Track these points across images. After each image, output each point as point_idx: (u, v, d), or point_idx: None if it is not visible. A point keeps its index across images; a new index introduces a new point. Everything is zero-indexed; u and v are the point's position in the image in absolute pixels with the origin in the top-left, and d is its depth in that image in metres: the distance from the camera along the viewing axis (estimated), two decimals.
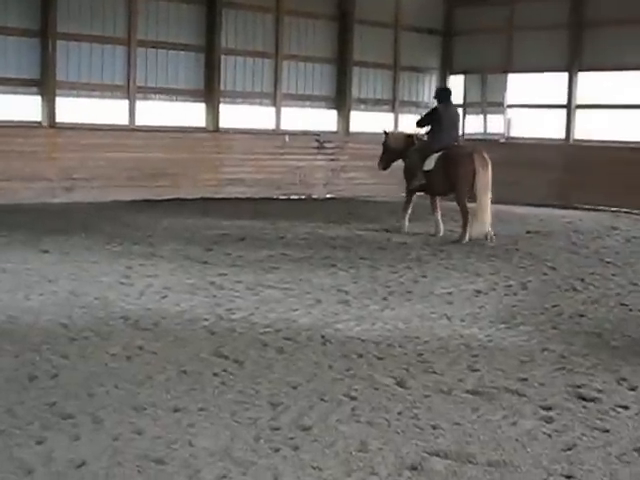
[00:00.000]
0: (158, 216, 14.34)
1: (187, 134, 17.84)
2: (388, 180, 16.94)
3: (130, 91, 17.13)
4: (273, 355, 6.21)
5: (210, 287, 8.57)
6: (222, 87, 18.27)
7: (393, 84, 20.80)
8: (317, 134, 19.30)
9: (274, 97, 19.14)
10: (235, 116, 18.57)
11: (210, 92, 18.06)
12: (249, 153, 18.35)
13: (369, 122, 19.86)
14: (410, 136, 13.58)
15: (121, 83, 17.02)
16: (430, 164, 12.82)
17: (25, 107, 15.84)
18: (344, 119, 19.90)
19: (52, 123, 15.95)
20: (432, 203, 13.31)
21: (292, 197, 18.94)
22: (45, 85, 15.89)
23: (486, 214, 12.34)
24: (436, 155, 12.81)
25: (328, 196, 19.40)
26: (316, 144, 19.08)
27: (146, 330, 6.79)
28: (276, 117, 19.20)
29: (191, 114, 18.11)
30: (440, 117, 13.00)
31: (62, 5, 15.94)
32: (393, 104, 20.93)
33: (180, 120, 17.89)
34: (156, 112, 17.59)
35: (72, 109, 16.30)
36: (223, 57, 18.18)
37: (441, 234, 12.95)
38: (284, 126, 19.31)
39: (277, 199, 18.50)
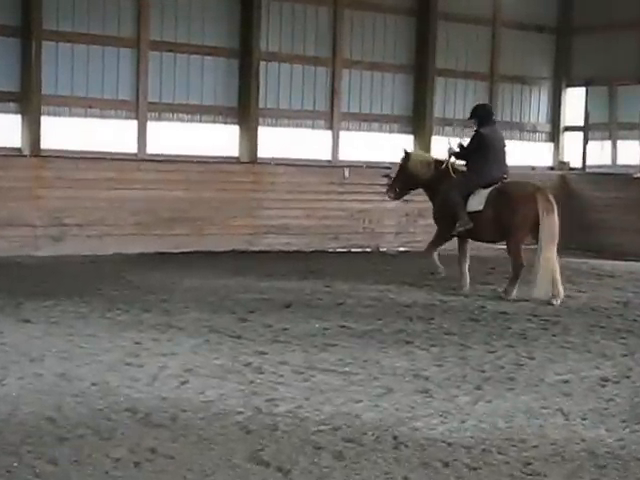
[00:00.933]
0: (176, 275, 14.55)
1: (215, 166, 18.18)
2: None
3: (139, 109, 17.59)
4: (329, 462, 6.23)
5: (245, 370, 8.64)
6: (261, 104, 18.59)
7: (489, 99, 20.94)
8: (387, 167, 19.43)
9: (330, 117, 19.40)
10: (278, 142, 18.86)
11: (245, 111, 18.43)
12: (296, 192, 18.62)
13: None
14: (441, 162, 14.05)
15: (128, 98, 17.52)
16: (478, 204, 13.35)
17: (0, 129, 16.28)
18: (423, 146, 20.07)
19: (36, 151, 16.42)
20: (461, 249, 13.92)
21: (353, 250, 19.06)
22: (26, 100, 16.44)
23: (552, 270, 12.89)
24: (485, 192, 13.39)
25: (401, 249, 19.48)
26: (385, 180, 19.23)
27: (160, 427, 6.86)
28: (332, 144, 19.45)
29: (220, 139, 18.49)
30: (487, 144, 13.52)
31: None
32: None
33: (206, 147, 18.27)
34: (174, 137, 18.03)
35: (62, 132, 16.80)
36: (263, 64, 18.58)
37: (467, 288, 13.73)
38: (343, 156, 19.54)
39: (333, 253, 18.62)
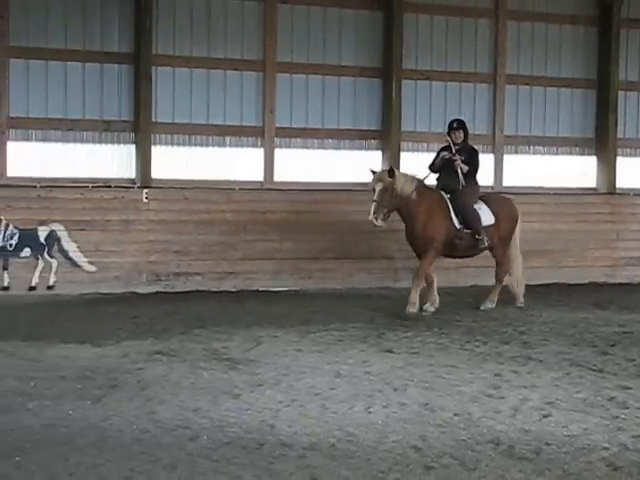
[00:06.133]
0: (534, 306, 14.43)
1: (572, 197, 17.86)
2: None
3: (496, 142, 17.60)
4: None
5: (608, 404, 8.39)
6: (619, 134, 18.12)
7: None
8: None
9: None
10: (638, 173, 18.29)
11: (603, 141, 18.15)
12: None
13: None
14: (421, 180, 13.76)
15: (484, 132, 17.54)
16: (489, 217, 13.90)
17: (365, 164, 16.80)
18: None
19: None
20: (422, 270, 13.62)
21: None
22: (386, 136, 16.93)
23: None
24: (485, 206, 13.96)
25: None
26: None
27: (524, 460, 6.76)
28: None
29: (576, 171, 18.22)
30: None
31: (409, 39, 17.03)
32: None
33: (562, 179, 18.07)
34: (529, 169, 18.02)
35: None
36: (621, 93, 18.11)
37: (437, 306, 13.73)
38: None
39: None
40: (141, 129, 15.66)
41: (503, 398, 8.56)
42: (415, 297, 13.38)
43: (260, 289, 15.82)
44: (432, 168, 13.97)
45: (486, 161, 17.57)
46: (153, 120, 15.84)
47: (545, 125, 18.02)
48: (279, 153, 16.72)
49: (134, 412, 7.90)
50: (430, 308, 13.64)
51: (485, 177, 17.44)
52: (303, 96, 16.80)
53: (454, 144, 13.79)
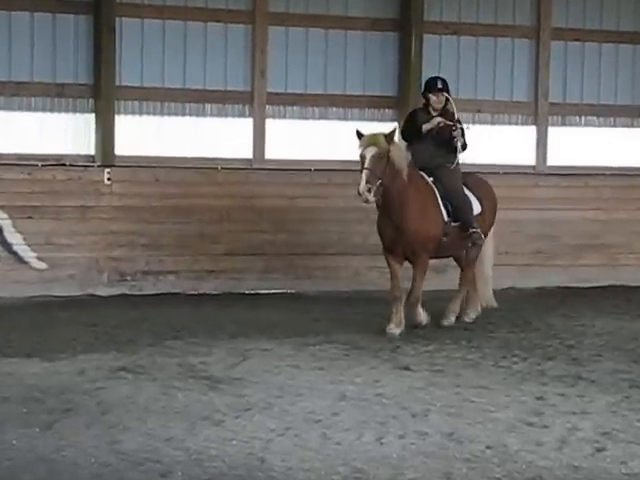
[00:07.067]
0: (585, 314, 14.45)
1: (633, 180, 17.82)
2: None
3: (538, 111, 17.59)
4: None
5: None
6: None
7: None
8: None
9: None
10: None
11: None
12: None
13: None
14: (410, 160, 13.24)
15: (523, 99, 17.54)
16: (476, 204, 13.42)
17: None
18: None
19: None
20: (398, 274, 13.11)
21: None
22: (403, 104, 16.93)
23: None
24: (468, 191, 13.43)
25: None
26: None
27: None
28: None
29: (635, 146, 18.21)
30: None
31: None
32: None
33: (621, 158, 18.11)
34: (580, 145, 18.00)
35: None
36: None
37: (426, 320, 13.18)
38: None
39: None
40: (102, 94, 15.65)
41: (547, 427, 8.54)
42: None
43: (247, 291, 15.83)
44: (408, 137, 13.47)
45: (526, 135, 17.59)
46: (117, 83, 15.84)
47: (600, 90, 18.03)
48: (271, 124, 16.73)
49: (92, 441, 7.89)
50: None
51: (525, 155, 17.45)
52: (301, 54, 16.80)
53: (434, 109, 13.28)
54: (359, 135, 12.77)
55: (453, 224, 13.10)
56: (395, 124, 16.72)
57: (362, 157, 12.53)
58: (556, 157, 17.84)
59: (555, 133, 17.88)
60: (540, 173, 17.53)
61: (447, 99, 13.32)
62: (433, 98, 13.25)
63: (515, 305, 14.97)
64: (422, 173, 13.16)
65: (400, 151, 12.93)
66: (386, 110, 17.07)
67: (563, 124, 17.88)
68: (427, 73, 16.64)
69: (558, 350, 11.93)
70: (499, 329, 13.17)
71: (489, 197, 13.78)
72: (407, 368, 10.80)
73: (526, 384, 10.13)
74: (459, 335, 12.66)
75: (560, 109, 17.86)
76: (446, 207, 13.06)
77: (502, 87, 17.40)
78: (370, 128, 15.77)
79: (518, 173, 17.23)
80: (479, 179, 14.01)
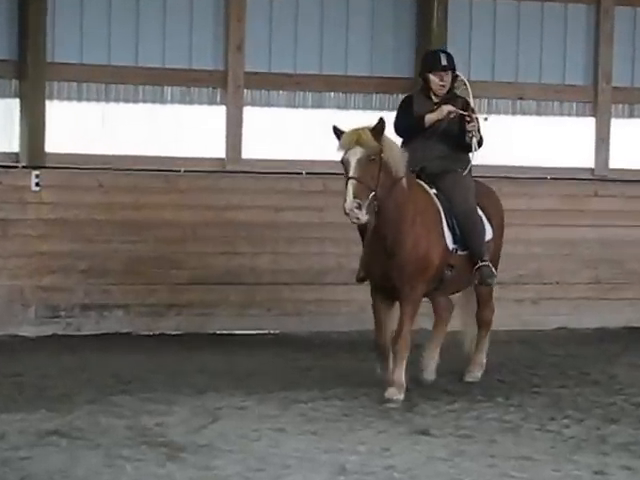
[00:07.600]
0: None
1: None
2: None
3: (599, 99, 17.72)
4: None
5: None
6: None
7: None
8: None
9: None
10: None
11: None
12: None
13: None
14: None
15: (579, 82, 17.72)
16: (488, 227, 13.13)
17: None
18: None
19: None
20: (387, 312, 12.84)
21: None
22: None
23: None
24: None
25: None
26: None
27: None
28: None
29: None
30: None
31: None
32: None
33: None
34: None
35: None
36: None
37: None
38: None
39: None
40: (30, 74, 15.68)
41: None
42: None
43: (219, 332, 15.88)
44: (404, 132, 13.17)
45: (583, 129, 17.64)
46: (49, 60, 15.87)
47: None
48: (250, 114, 16.77)
49: None
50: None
51: (580, 155, 17.50)
52: (289, 24, 16.82)
53: (436, 95, 13.00)
54: (337, 133, 12.32)
55: (460, 253, 12.79)
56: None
57: (345, 162, 12.12)
58: (621, 158, 17.90)
59: (620, 127, 17.96)
60: (600, 179, 17.59)
61: (455, 80, 13.07)
62: (435, 80, 12.93)
63: (568, 350, 15.01)
64: (421, 182, 12.83)
65: (395, 150, 12.49)
66: (399, 96, 16.96)
67: (630, 115, 17.99)
68: (454, 47, 16.68)
69: (623, 410, 11.95)
70: (546, 382, 13.21)
71: (498, 213, 13.48)
72: (426, 432, 10.78)
73: (581, 454, 10.08)
74: (494, 390, 12.67)
75: (626, 96, 17.96)
76: (452, 229, 12.70)
77: (551, 66, 17.44)
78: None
79: (572, 179, 17.33)
80: (483, 186, 13.54)
